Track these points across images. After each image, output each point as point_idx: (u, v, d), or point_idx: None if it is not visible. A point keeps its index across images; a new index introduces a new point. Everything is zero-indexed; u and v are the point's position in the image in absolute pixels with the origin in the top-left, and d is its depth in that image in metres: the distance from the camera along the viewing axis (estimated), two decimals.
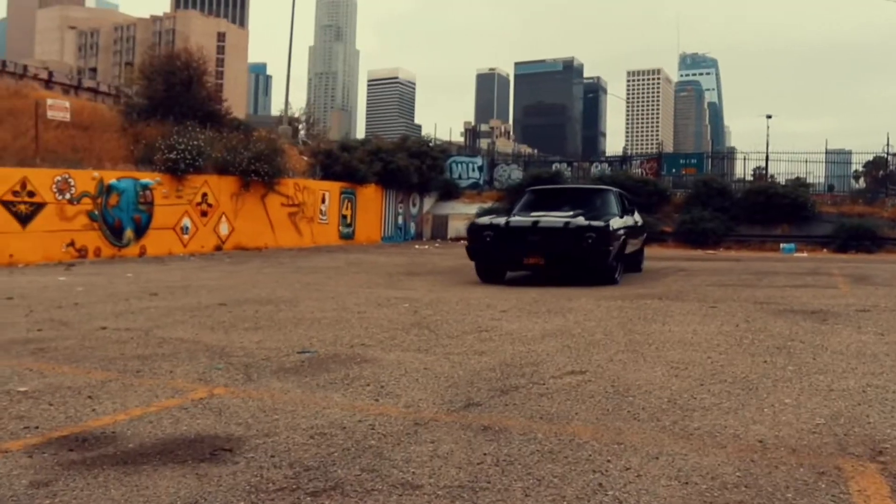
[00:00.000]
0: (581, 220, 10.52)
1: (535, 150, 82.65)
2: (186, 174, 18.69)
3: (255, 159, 20.00)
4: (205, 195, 19.34)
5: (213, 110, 22.94)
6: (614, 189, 12.96)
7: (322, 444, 2.99)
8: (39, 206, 15.76)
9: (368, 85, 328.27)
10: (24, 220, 15.49)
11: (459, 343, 5.54)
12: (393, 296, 8.94)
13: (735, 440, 3.09)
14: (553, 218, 10.97)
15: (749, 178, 30.53)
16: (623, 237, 11.00)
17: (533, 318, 7.02)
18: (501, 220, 11.17)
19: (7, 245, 15.10)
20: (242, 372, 4.43)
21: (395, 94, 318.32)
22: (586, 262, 10.48)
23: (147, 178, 18.16)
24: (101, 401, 3.71)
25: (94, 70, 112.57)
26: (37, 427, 3.24)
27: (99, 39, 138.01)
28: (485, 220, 11.83)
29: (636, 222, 12.75)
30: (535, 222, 10.80)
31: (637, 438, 3.09)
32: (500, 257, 10.94)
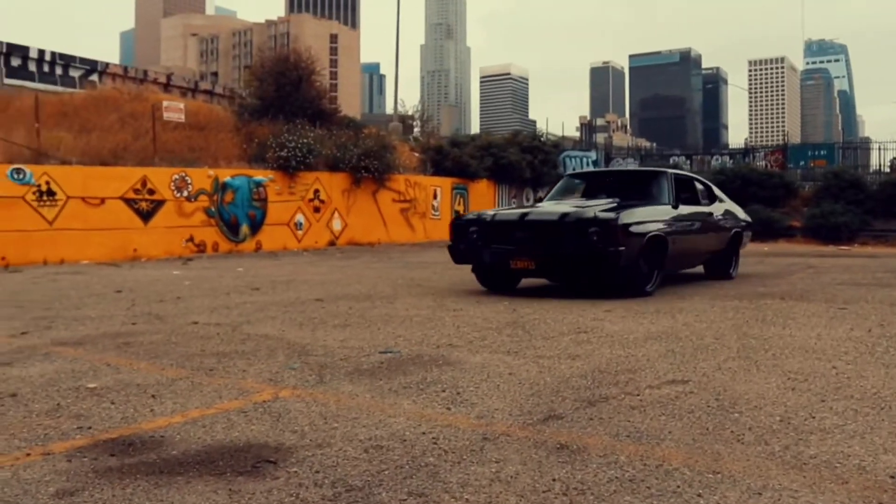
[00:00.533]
0: (586, 211, 8.16)
1: (654, 144, 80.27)
2: (298, 171, 19.05)
3: (365, 156, 20.16)
4: (317, 191, 19.62)
5: (323, 108, 23.31)
6: (670, 171, 10.07)
7: (375, 460, 2.69)
8: (159, 204, 16.42)
9: (481, 81, 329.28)
10: (145, 216, 16.20)
11: (553, 345, 5.15)
12: (495, 292, 8.59)
13: (860, 474, 2.57)
14: (549, 209, 8.89)
15: (886, 169, 28.31)
16: (659, 234, 8.36)
17: (638, 318, 6.52)
18: (489, 214, 9.00)
19: (131, 240, 15.83)
20: (316, 372, 4.22)
21: (507, 90, 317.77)
22: (588, 266, 8.11)
23: (260, 175, 18.61)
24: (164, 400, 3.57)
25: (215, 74, 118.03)
26: (89, 427, 3.11)
27: (218, 45, 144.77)
28: (472, 213, 9.52)
29: (710, 214, 10.02)
30: (524, 215, 8.53)
31: (738, 466, 2.62)
32: (483, 259, 8.66)
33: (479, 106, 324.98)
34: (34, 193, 14.54)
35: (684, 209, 9.23)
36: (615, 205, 8.57)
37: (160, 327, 5.99)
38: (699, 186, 10.31)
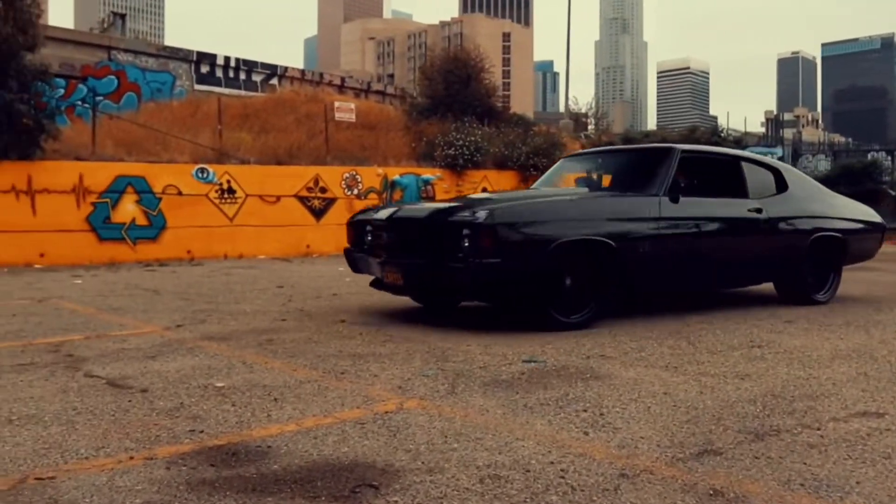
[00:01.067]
0: (462, 208, 5.87)
1: (849, 140, 74.07)
2: (465, 169, 19.09)
3: (534, 154, 19.88)
4: (484, 189, 19.54)
5: (492, 106, 23.25)
6: (679, 147, 6.92)
7: (488, 494, 2.33)
8: (331, 201, 16.98)
9: (658, 77, 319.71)
10: (317, 213, 16.81)
11: (720, 361, 4.56)
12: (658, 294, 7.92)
13: None
14: (427, 204, 6.96)
15: None
16: (592, 239, 5.80)
17: (824, 331, 5.73)
18: (376, 211, 6.84)
19: (304, 236, 16.48)
20: (449, 381, 3.92)
21: (686, 85, 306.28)
22: (458, 285, 5.71)
23: (428, 173, 18.81)
24: (283, 405, 3.40)
25: (391, 76, 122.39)
26: (202, 431, 2.97)
27: (394, 47, 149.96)
28: (370, 209, 7.12)
29: (758, 211, 7.06)
30: (393, 213, 6.43)
31: None
32: (373, 270, 6.47)
33: (656, 102, 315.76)
34: (216, 191, 15.44)
35: (691, 202, 6.53)
36: (518, 198, 6.40)
37: (307, 325, 5.95)
38: (752, 171, 7.41)
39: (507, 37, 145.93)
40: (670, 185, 6.45)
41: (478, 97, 22.49)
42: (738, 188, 7.18)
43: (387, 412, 3.29)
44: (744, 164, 7.42)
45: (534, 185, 8.39)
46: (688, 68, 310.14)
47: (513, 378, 4.02)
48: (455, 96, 21.90)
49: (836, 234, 7.67)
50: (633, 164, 7.41)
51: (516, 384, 3.88)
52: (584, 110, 37.19)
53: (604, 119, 40.58)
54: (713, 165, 7.39)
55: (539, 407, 3.42)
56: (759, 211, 7.08)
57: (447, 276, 5.62)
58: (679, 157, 6.70)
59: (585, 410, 3.36)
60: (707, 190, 6.99)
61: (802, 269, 7.44)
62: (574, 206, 6.23)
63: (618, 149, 8.91)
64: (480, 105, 22.32)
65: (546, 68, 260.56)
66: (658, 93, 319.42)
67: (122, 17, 31.04)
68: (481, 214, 5.52)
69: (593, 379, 4.02)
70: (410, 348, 4.88)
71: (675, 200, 6.37)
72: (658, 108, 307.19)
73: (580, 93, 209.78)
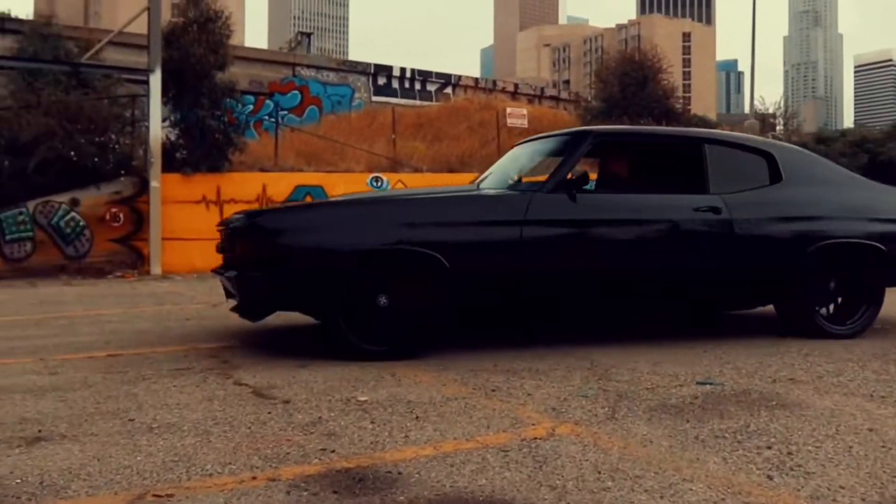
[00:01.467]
0: (257, 216, 5.12)
1: None
2: None
3: None
4: None
5: (670, 108, 22.32)
6: (593, 130, 5.65)
7: None
8: None
9: (855, 71, 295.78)
10: None
11: None
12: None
13: None
14: (250, 211, 5.82)
15: None
16: (411, 249, 4.57)
17: None
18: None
19: None
20: (610, 405, 3.52)
21: (888, 79, 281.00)
22: (239, 302, 4.88)
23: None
24: (424, 425, 3.15)
25: (566, 82, 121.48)
26: (332, 451, 2.78)
27: (570, 53, 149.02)
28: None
29: (713, 210, 5.21)
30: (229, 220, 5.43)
31: None
32: None
33: (854, 98, 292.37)
34: None
35: (595, 201, 5.16)
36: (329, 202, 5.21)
37: (463, 334, 5.70)
38: (723, 157, 5.50)
39: (687, 36, 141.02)
40: (562, 179, 4.97)
41: (655, 99, 21.68)
42: (691, 180, 5.41)
43: (535, 438, 2.95)
44: (708, 147, 5.50)
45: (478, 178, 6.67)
46: (890, 60, 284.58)
47: (684, 403, 3.56)
48: (631, 98, 21.23)
49: (864, 242, 5.55)
50: (542, 153, 5.95)
51: (687, 411, 3.41)
52: (771, 110, 34.79)
53: (793, 119, 37.76)
54: (655, 151, 5.90)
55: (713, 440, 2.95)
56: (715, 211, 5.24)
57: (227, 290, 4.93)
58: (592, 142, 5.32)
59: (769, 447, 2.85)
60: (640, 183, 5.60)
61: (803, 289, 5.46)
62: (380, 208, 5.01)
63: (545, 135, 6.61)
64: (658, 107, 21.49)
65: (729, 68, 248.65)
66: (856, 88, 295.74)
67: (308, 35, 32.81)
68: (241, 221, 4.79)
69: (780, 408, 3.47)
70: (571, 364, 4.51)
71: (572, 198, 4.88)
72: (856, 104, 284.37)
73: (767, 92, 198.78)
